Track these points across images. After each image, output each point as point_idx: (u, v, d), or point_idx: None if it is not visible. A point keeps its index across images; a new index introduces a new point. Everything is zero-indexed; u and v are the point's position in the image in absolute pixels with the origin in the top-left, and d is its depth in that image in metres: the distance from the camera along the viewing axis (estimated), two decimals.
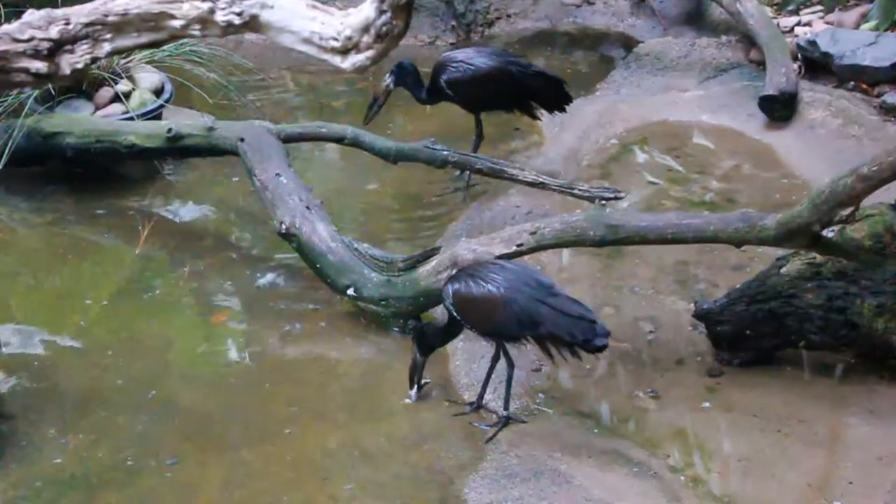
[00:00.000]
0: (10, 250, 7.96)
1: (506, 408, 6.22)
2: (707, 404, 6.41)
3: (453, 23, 11.36)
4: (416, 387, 6.41)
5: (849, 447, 6.08)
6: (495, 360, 6.25)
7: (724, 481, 5.88)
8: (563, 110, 8.75)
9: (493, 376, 6.30)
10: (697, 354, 6.79)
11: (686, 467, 5.95)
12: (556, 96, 8.57)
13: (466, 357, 6.70)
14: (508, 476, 5.81)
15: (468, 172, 8.34)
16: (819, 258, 6.46)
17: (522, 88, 8.46)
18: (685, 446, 6.12)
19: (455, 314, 6.20)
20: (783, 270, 6.54)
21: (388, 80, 8.48)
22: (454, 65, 8.45)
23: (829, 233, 6.28)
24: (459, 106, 8.58)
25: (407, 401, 6.42)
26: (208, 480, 5.92)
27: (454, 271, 6.49)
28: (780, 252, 6.66)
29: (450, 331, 6.37)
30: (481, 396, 6.32)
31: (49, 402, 6.39)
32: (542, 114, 8.86)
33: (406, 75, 8.48)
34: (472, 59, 8.46)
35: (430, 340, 6.38)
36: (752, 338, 6.57)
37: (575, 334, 5.98)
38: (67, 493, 5.82)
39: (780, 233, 6.23)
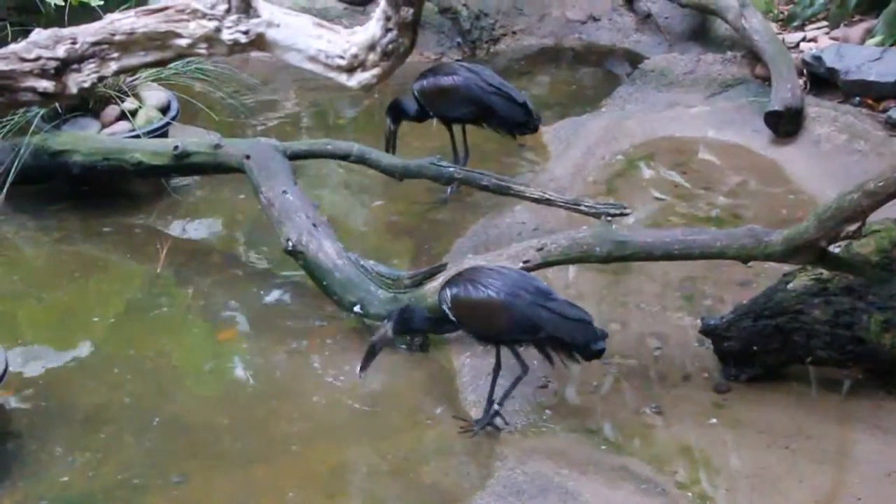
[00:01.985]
0: (17, 268, 7.96)
1: (500, 403, 6.24)
2: (714, 420, 6.40)
3: (459, 39, 11.38)
4: (368, 366, 6.29)
5: (857, 463, 6.06)
6: (496, 373, 6.25)
7: (732, 498, 5.87)
8: (531, 131, 8.72)
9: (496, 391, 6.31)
10: (704, 370, 6.78)
11: (693, 484, 5.94)
12: (519, 118, 8.55)
13: (473, 374, 6.70)
14: (516, 493, 5.80)
15: (453, 186, 8.41)
16: (826, 274, 6.46)
17: (484, 105, 8.46)
18: (692, 463, 6.11)
19: (453, 318, 6.21)
20: (790, 286, 6.53)
21: (388, 122, 8.70)
22: (425, 74, 8.61)
23: (835, 248, 6.29)
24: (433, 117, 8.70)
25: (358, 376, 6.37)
26: (215, 498, 5.92)
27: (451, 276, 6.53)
28: (786, 268, 6.67)
29: (438, 326, 6.37)
30: (487, 412, 6.31)
31: (56, 419, 6.39)
32: (548, 130, 8.89)
33: (399, 111, 8.68)
34: (441, 71, 8.61)
35: (415, 322, 6.35)
36: (759, 354, 6.56)
37: (575, 337, 6.04)
38: None
39: (786, 249, 6.24)
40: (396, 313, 6.32)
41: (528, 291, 6.09)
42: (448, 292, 6.22)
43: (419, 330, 6.46)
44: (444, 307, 6.23)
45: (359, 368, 6.33)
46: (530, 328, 6.05)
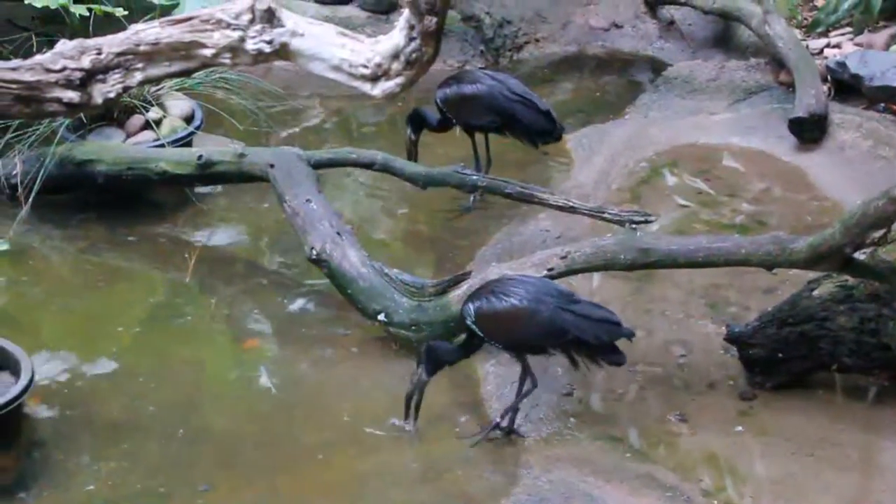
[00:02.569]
0: (42, 277, 7.99)
1: (502, 416, 6.25)
2: (739, 428, 6.39)
3: (482, 47, 11.37)
4: (414, 414, 6.32)
5: (883, 471, 6.06)
6: (523, 381, 6.24)
7: None
8: (554, 140, 8.73)
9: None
10: (729, 378, 6.76)
11: (719, 492, 5.93)
12: (542, 126, 8.55)
13: (498, 382, 6.69)
14: (540, 500, 5.80)
15: (476, 194, 8.40)
16: (851, 281, 6.44)
17: (508, 113, 8.46)
18: (718, 470, 6.10)
19: (478, 331, 6.21)
20: (815, 293, 6.51)
21: (408, 132, 8.67)
22: (448, 82, 8.59)
23: (860, 255, 6.26)
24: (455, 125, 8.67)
25: (407, 428, 6.38)
26: None
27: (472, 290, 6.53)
28: (811, 275, 6.64)
29: (467, 349, 6.36)
30: (512, 420, 6.30)
31: (81, 428, 6.41)
32: (571, 137, 8.90)
33: (420, 120, 8.66)
34: (464, 79, 8.58)
35: (444, 357, 6.33)
36: (785, 361, 6.54)
37: (601, 337, 6.06)
38: None
39: (811, 256, 6.23)
40: (424, 357, 6.28)
41: (551, 296, 6.12)
42: (470, 307, 6.22)
43: (451, 362, 6.43)
44: (468, 322, 6.23)
45: (412, 421, 6.33)
46: (556, 332, 6.07)
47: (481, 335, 6.22)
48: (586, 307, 6.14)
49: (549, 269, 6.79)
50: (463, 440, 6.26)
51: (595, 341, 6.07)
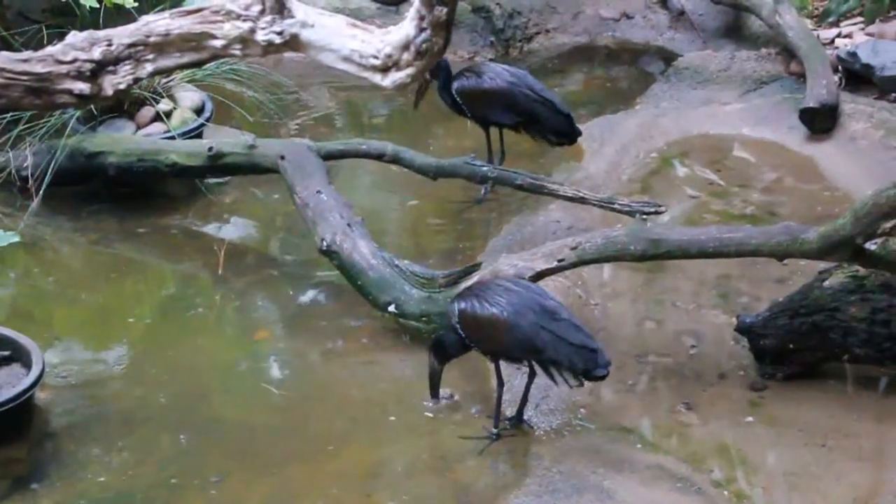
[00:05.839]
0: (53, 269, 8.01)
1: (495, 425, 6.25)
2: (750, 419, 6.38)
3: (492, 38, 11.37)
4: (437, 394, 6.43)
5: (895, 460, 6.03)
6: (532, 375, 6.24)
7: (769, 496, 5.86)
8: (569, 143, 8.72)
9: (531, 391, 6.30)
10: (740, 368, 6.76)
11: (730, 482, 5.93)
12: (561, 128, 8.55)
13: (507, 373, 6.67)
14: (551, 492, 5.79)
15: (487, 186, 8.38)
16: (862, 271, 6.42)
17: (527, 113, 8.45)
18: (729, 461, 6.09)
19: (460, 332, 6.22)
20: (826, 283, 6.50)
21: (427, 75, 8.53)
22: (466, 74, 8.53)
23: (872, 245, 6.25)
24: (470, 118, 8.64)
25: (427, 413, 6.45)
26: (253, 497, 5.93)
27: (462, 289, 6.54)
28: (822, 265, 6.63)
29: (466, 344, 6.37)
30: (521, 412, 6.31)
31: (93, 420, 6.42)
32: (582, 128, 8.88)
33: (440, 70, 8.48)
34: (485, 73, 8.51)
35: (448, 350, 6.35)
36: (796, 351, 6.54)
37: (575, 363, 5.98)
38: None
39: (822, 246, 6.21)
40: (432, 349, 6.35)
41: (534, 311, 6.03)
42: (456, 306, 6.24)
43: (457, 355, 6.44)
44: (453, 321, 6.24)
45: (435, 399, 6.47)
46: (531, 349, 6.04)
47: (463, 336, 6.23)
48: (567, 329, 6.00)
49: (560, 260, 6.79)
50: (466, 440, 6.28)
51: (568, 365, 6.00)
